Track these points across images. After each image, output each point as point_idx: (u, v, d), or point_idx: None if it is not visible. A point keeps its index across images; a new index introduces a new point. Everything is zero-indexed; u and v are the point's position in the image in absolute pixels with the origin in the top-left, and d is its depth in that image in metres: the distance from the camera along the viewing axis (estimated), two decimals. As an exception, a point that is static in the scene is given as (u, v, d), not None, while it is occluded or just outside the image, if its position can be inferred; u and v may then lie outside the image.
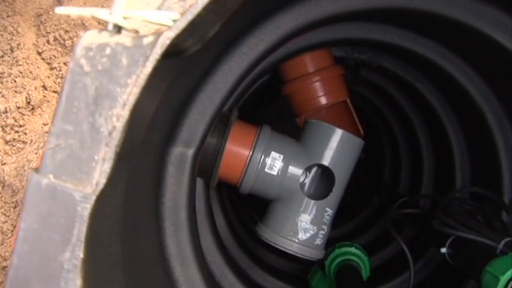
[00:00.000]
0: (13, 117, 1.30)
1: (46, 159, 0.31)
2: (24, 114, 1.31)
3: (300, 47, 0.89)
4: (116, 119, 0.30)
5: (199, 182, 0.86)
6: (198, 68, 0.65)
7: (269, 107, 1.50)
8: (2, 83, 1.32)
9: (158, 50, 0.29)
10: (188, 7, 0.30)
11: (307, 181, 0.87)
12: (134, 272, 0.54)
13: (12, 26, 1.36)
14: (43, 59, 1.36)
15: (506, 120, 0.90)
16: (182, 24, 0.30)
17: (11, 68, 1.32)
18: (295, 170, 0.84)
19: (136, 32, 0.31)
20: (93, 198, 0.30)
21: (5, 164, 1.29)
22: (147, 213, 0.66)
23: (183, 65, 0.52)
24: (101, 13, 0.31)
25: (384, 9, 0.79)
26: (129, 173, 0.48)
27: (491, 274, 0.64)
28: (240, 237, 1.10)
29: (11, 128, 1.30)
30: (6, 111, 1.30)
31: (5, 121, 1.30)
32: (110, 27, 0.31)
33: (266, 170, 0.82)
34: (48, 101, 1.33)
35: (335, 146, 0.84)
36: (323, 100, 1.05)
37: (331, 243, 0.95)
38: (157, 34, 0.30)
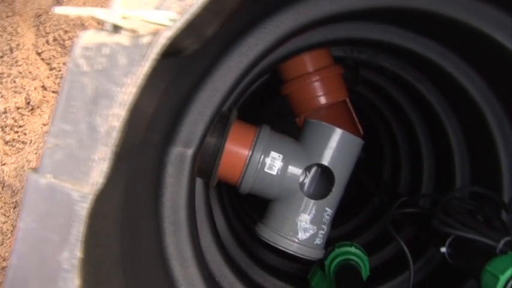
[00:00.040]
0: (13, 118, 1.30)
1: (45, 159, 0.31)
2: (23, 115, 1.31)
3: (299, 47, 0.89)
4: (114, 118, 0.30)
5: (199, 181, 0.86)
6: (197, 67, 0.65)
7: (269, 106, 1.50)
8: (1, 83, 1.32)
9: (156, 49, 0.29)
10: (186, 7, 0.30)
11: (307, 181, 0.87)
12: (134, 271, 0.54)
13: (12, 27, 1.36)
14: (42, 59, 1.36)
15: (505, 119, 0.90)
16: (180, 24, 0.30)
17: (10, 69, 1.32)
18: (294, 170, 0.84)
19: (135, 31, 0.31)
20: (92, 198, 0.30)
21: (4, 164, 1.29)
22: (146, 213, 0.66)
23: (182, 64, 0.52)
24: (99, 13, 0.31)
25: (383, 8, 0.79)
26: (129, 173, 0.48)
27: (490, 273, 0.64)
28: (239, 237, 1.10)
29: (11, 129, 1.30)
30: (5, 112, 1.30)
31: (5, 121, 1.30)
32: (108, 27, 0.31)
33: (266, 169, 0.82)
34: (47, 101, 1.33)
35: (335, 146, 0.84)
36: (322, 100, 1.05)
37: (331, 243, 0.95)
38: (156, 34, 0.30)
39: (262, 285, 1.05)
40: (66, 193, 0.31)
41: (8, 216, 1.26)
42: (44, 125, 1.31)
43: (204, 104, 0.70)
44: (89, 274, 0.33)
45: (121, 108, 0.30)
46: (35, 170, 0.32)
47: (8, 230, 1.25)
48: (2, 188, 1.28)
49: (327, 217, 0.85)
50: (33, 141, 1.30)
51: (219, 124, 0.80)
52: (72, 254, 0.31)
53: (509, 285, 0.61)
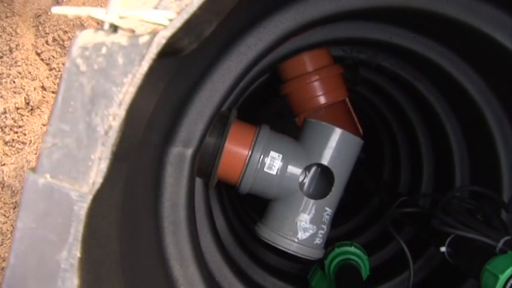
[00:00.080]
0: (12, 118, 1.30)
1: (43, 159, 0.31)
2: (23, 115, 1.31)
3: (298, 46, 0.89)
4: (112, 118, 0.30)
5: (199, 181, 0.86)
6: (196, 67, 0.65)
7: (268, 106, 1.50)
8: (1, 83, 1.32)
9: (154, 49, 0.29)
10: (184, 6, 0.30)
11: (307, 180, 0.87)
12: (133, 271, 0.54)
13: (11, 27, 1.36)
14: (42, 59, 1.36)
15: (505, 119, 0.90)
16: (178, 23, 0.30)
17: (10, 69, 1.32)
18: (294, 170, 0.84)
19: (133, 31, 0.31)
20: (90, 197, 0.30)
21: (4, 164, 1.29)
22: (146, 213, 0.66)
23: (181, 64, 0.52)
24: (97, 12, 0.31)
25: (382, 8, 0.79)
26: (128, 172, 0.48)
27: (490, 273, 0.64)
28: (239, 236, 1.10)
29: (10, 129, 1.30)
30: (5, 112, 1.30)
31: (4, 122, 1.30)
32: (106, 26, 0.31)
33: (265, 169, 0.83)
34: (47, 102, 1.33)
35: (334, 146, 0.84)
36: (322, 99, 1.05)
37: (331, 242, 0.95)
38: (153, 33, 0.30)
39: (262, 285, 1.05)
40: (64, 193, 0.31)
41: (8, 217, 1.26)
42: (44, 125, 1.31)
43: (204, 103, 0.70)
44: (87, 274, 0.33)
45: (119, 107, 0.30)
46: (33, 169, 0.32)
47: (7, 230, 1.25)
48: (2, 188, 1.28)
49: (327, 217, 0.85)
50: (32, 142, 1.30)
51: (219, 124, 0.80)
52: (71, 254, 0.31)
53: (508, 284, 0.61)
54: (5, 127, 1.30)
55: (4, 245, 1.25)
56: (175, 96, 0.63)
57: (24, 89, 1.31)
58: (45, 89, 1.34)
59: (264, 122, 0.89)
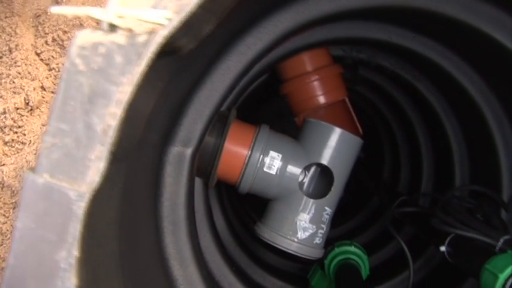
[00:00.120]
0: (12, 118, 1.30)
1: (42, 159, 0.31)
2: (22, 115, 1.31)
3: (298, 46, 0.89)
4: (110, 117, 0.30)
5: (198, 181, 0.86)
6: (195, 67, 0.65)
7: (268, 106, 1.50)
8: (0, 84, 1.32)
9: (152, 48, 0.30)
10: (183, 6, 0.30)
11: (306, 180, 0.87)
12: (133, 271, 0.54)
13: (11, 27, 1.36)
14: (41, 59, 1.36)
15: (505, 118, 0.90)
16: (176, 22, 0.30)
17: (9, 69, 1.32)
18: (294, 169, 0.84)
19: (131, 30, 0.31)
20: (89, 197, 0.30)
21: (4, 165, 1.29)
22: (145, 213, 0.66)
23: (180, 64, 0.52)
24: (95, 12, 0.31)
25: (382, 7, 0.79)
26: (127, 172, 0.48)
27: (490, 272, 0.64)
28: (239, 236, 1.10)
29: (10, 129, 1.30)
30: (4, 112, 1.30)
31: (4, 122, 1.30)
32: (105, 26, 0.31)
33: (265, 169, 0.83)
34: (46, 102, 1.33)
35: (334, 145, 0.84)
36: (321, 99, 1.05)
37: (331, 242, 0.95)
38: (152, 33, 0.30)
39: (262, 285, 1.05)
40: (63, 192, 0.31)
41: (8, 217, 1.26)
42: (43, 125, 1.31)
43: (203, 103, 0.70)
44: (86, 273, 0.33)
45: (118, 107, 0.30)
46: (32, 169, 0.32)
47: (7, 230, 1.25)
48: (2, 188, 1.28)
49: (326, 216, 0.85)
50: (32, 142, 1.30)
51: (218, 124, 0.80)
52: (70, 253, 0.31)
53: (508, 283, 0.61)
54: (5, 127, 1.30)
55: (4, 245, 1.25)
56: (175, 95, 0.63)
57: (23, 89, 1.31)
58: (44, 89, 1.34)
59: (264, 122, 0.89)
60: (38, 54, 1.36)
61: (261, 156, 0.82)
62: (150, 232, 0.68)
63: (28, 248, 0.31)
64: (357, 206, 1.47)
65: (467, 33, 0.79)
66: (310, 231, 0.84)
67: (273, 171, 0.83)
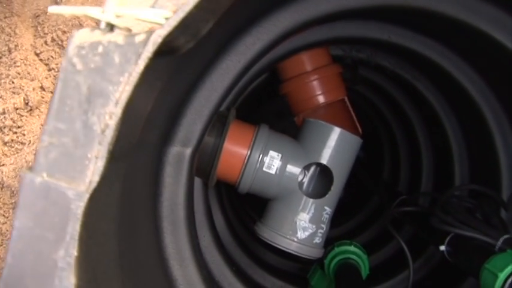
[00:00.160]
0: (11, 119, 1.30)
1: (39, 158, 0.31)
2: (22, 116, 1.31)
3: (297, 46, 0.89)
4: (108, 117, 0.30)
5: (198, 181, 0.86)
6: (194, 66, 0.65)
7: (268, 106, 1.50)
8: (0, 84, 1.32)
9: (150, 48, 0.30)
10: (181, 5, 0.30)
11: (306, 180, 0.86)
12: (132, 271, 0.54)
13: (10, 27, 1.36)
14: (41, 60, 1.36)
15: (504, 118, 0.90)
16: (174, 22, 0.30)
17: (8, 69, 1.32)
18: (293, 169, 0.84)
19: (129, 30, 0.32)
20: (87, 196, 0.30)
21: (3, 165, 1.29)
22: (145, 213, 0.67)
23: (179, 63, 0.52)
24: (94, 12, 0.31)
25: (381, 7, 0.79)
26: (126, 172, 0.48)
27: (489, 271, 0.64)
28: (239, 236, 1.10)
29: (9, 129, 1.30)
30: (4, 113, 1.30)
31: (3, 122, 1.30)
32: (103, 25, 0.31)
33: (264, 169, 0.82)
34: (46, 102, 1.33)
35: (333, 145, 0.84)
36: (321, 99, 1.05)
37: (330, 242, 0.95)
38: (150, 32, 0.30)
39: (262, 285, 1.05)
40: (61, 192, 0.31)
41: (7, 217, 1.26)
42: (43, 125, 1.31)
43: (202, 103, 0.70)
44: (85, 273, 0.33)
45: (116, 106, 0.30)
46: (30, 168, 0.32)
47: (7, 230, 1.25)
48: (1, 188, 1.29)
49: (326, 216, 0.85)
50: (32, 142, 1.30)
51: (218, 123, 0.80)
52: (68, 253, 0.31)
53: (508, 282, 0.61)
54: (4, 127, 1.30)
55: (4, 245, 1.25)
56: (174, 95, 0.63)
57: (23, 90, 1.31)
58: (44, 89, 1.34)
59: (263, 121, 0.89)
60: (37, 55, 1.36)
61: (261, 156, 0.82)
62: (150, 232, 0.68)
63: (26, 247, 0.31)
64: (357, 205, 1.47)
65: (467, 32, 0.79)
66: (310, 230, 0.84)
67: (273, 171, 0.83)
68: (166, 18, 0.30)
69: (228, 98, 0.80)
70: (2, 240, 1.25)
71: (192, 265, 0.72)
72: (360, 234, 1.33)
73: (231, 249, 1.04)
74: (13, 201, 1.27)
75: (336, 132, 0.84)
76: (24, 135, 1.30)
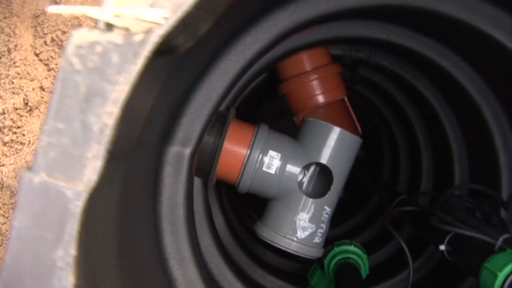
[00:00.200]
0: (11, 119, 1.30)
1: (38, 158, 0.31)
2: (22, 116, 1.31)
3: (296, 45, 0.89)
4: (107, 116, 0.30)
5: (197, 181, 0.86)
6: (194, 66, 0.65)
7: (267, 106, 1.50)
8: (-1, 84, 1.32)
9: (149, 47, 0.30)
10: (179, 4, 0.30)
11: (305, 180, 0.86)
12: (132, 271, 0.54)
13: (10, 28, 1.36)
14: (40, 60, 1.36)
15: (504, 118, 0.90)
16: (173, 21, 0.30)
17: (8, 70, 1.32)
18: (293, 169, 0.84)
19: (128, 30, 0.32)
20: (85, 196, 0.30)
21: (3, 165, 1.29)
22: (144, 212, 0.67)
23: (178, 63, 0.52)
24: (92, 11, 0.31)
25: (380, 6, 0.79)
26: (126, 172, 0.48)
27: (489, 270, 0.64)
28: (239, 236, 1.10)
29: (9, 130, 1.30)
30: (4, 113, 1.30)
31: (3, 122, 1.30)
32: (101, 25, 0.31)
33: (264, 169, 0.82)
34: (46, 102, 1.33)
35: (333, 144, 0.84)
36: (320, 98, 1.05)
37: (330, 241, 0.95)
38: (148, 32, 0.30)
39: (262, 284, 1.05)
40: (60, 191, 0.31)
41: (7, 217, 1.26)
42: (42, 125, 1.31)
43: (202, 103, 0.70)
44: (84, 272, 0.33)
45: (114, 106, 0.30)
46: (29, 168, 0.32)
47: (7, 231, 1.25)
48: (1, 189, 1.29)
49: (326, 216, 0.85)
50: (31, 142, 1.30)
51: (217, 123, 0.80)
52: (67, 252, 0.31)
53: (507, 282, 0.61)
54: (4, 128, 1.30)
55: (4, 246, 1.25)
56: (173, 95, 0.63)
57: (22, 90, 1.31)
58: (43, 90, 1.34)
59: (263, 121, 0.89)
60: (37, 55, 1.36)
61: (260, 156, 0.82)
62: (150, 232, 0.68)
63: (25, 247, 0.31)
64: (357, 205, 1.47)
65: (466, 32, 0.79)
66: (310, 230, 0.84)
67: (272, 171, 0.83)
68: (165, 18, 0.30)
69: (227, 97, 0.80)
70: (2, 240, 1.25)
71: (192, 265, 0.72)
72: (360, 234, 1.33)
73: (231, 249, 1.04)
74: (13, 201, 1.27)
75: (336, 131, 0.84)
76: (23, 135, 1.30)
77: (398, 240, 0.93)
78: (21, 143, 1.30)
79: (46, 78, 1.34)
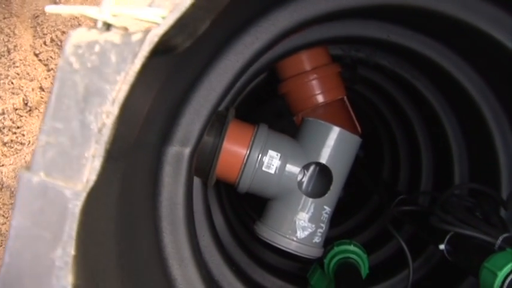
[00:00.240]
0: (10, 119, 1.30)
1: (37, 157, 0.31)
2: (21, 116, 1.31)
3: (296, 45, 0.89)
4: (105, 116, 0.30)
5: (197, 181, 0.86)
6: (193, 66, 0.65)
7: (267, 106, 1.50)
8: (-1, 84, 1.32)
9: (147, 47, 0.30)
10: (177, 4, 0.30)
11: (305, 179, 0.86)
12: (131, 270, 0.54)
13: (9, 28, 1.36)
14: (40, 60, 1.36)
15: (504, 117, 0.90)
16: (171, 21, 0.30)
17: (8, 70, 1.32)
18: (292, 169, 0.84)
19: (126, 29, 0.32)
20: (84, 195, 0.30)
21: (3, 165, 1.29)
22: (144, 212, 0.67)
23: (177, 63, 0.52)
24: (90, 11, 0.31)
25: (380, 6, 0.79)
26: (125, 172, 0.48)
27: (489, 270, 0.64)
28: (238, 236, 1.10)
29: (9, 130, 1.30)
30: (3, 113, 1.30)
31: (3, 123, 1.30)
32: (99, 25, 0.31)
33: (263, 168, 0.82)
34: (45, 103, 1.33)
35: (332, 144, 0.84)
36: (320, 98, 1.05)
37: (330, 241, 0.95)
38: (146, 31, 0.30)
39: (262, 284, 1.05)
40: (58, 191, 0.31)
41: (7, 218, 1.26)
42: (41, 125, 1.31)
43: (201, 103, 0.70)
44: (83, 272, 0.33)
45: (112, 105, 0.30)
46: (27, 168, 0.32)
47: (7, 231, 1.25)
48: (1, 189, 1.29)
49: (326, 215, 0.85)
50: (31, 142, 1.30)
51: (217, 123, 0.80)
52: (66, 252, 0.31)
53: (507, 281, 0.61)
54: (4, 128, 1.30)
55: (3, 246, 1.25)
56: (172, 95, 0.63)
57: (22, 90, 1.31)
58: (43, 90, 1.34)
59: (263, 121, 0.89)
60: (36, 55, 1.36)
61: (260, 156, 0.82)
62: (149, 232, 0.68)
63: (24, 247, 0.31)
64: (356, 205, 1.47)
65: (466, 32, 0.79)
66: (310, 230, 0.84)
67: (272, 171, 0.83)
68: (163, 17, 0.30)
69: (226, 97, 0.80)
70: (2, 240, 1.25)
71: (192, 265, 0.72)
72: (360, 233, 1.33)
73: (231, 249, 1.04)
74: (13, 201, 1.27)
75: (335, 131, 0.84)
76: (23, 135, 1.31)
77: (398, 240, 0.93)
78: (21, 143, 1.30)
79: (46, 78, 1.34)
